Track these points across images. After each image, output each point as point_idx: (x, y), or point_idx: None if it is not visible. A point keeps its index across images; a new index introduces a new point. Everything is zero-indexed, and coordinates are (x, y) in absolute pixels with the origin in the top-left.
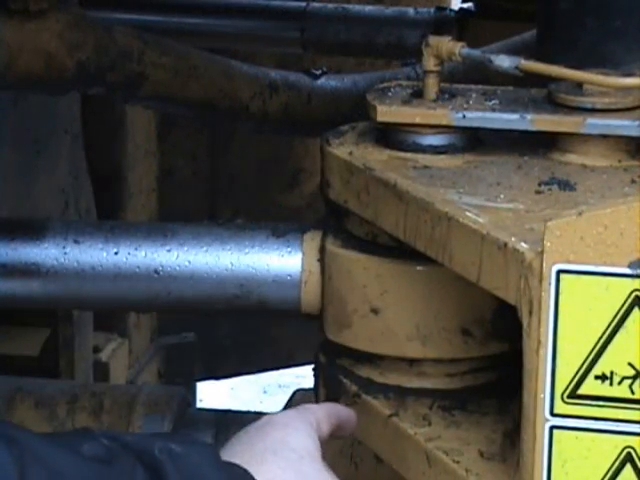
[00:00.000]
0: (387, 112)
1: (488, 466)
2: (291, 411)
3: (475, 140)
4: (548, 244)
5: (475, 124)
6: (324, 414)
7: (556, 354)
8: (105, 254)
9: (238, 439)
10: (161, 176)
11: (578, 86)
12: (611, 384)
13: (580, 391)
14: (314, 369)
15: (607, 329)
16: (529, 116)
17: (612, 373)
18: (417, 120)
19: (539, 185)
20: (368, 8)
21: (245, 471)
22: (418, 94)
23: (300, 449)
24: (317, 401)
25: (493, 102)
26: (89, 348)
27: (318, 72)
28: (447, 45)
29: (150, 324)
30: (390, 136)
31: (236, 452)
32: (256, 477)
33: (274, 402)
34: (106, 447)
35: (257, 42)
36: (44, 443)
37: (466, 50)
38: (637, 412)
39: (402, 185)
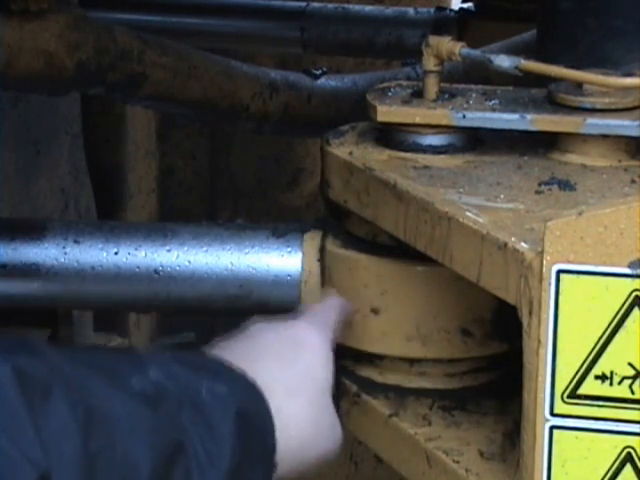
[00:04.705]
0: (387, 112)
1: (488, 466)
2: (312, 326)
3: (475, 140)
4: (548, 244)
5: (475, 124)
6: (336, 326)
7: (556, 354)
8: (105, 254)
9: (278, 354)
10: (161, 176)
11: (578, 86)
12: (611, 384)
13: (580, 391)
14: None
15: (607, 329)
16: (529, 116)
17: (612, 373)
18: (417, 120)
19: (539, 185)
20: (368, 8)
21: (271, 428)
22: (418, 94)
23: (323, 376)
24: None
25: (493, 102)
26: None
27: (318, 72)
28: (447, 45)
29: (150, 324)
30: (390, 136)
31: (272, 378)
32: (278, 419)
33: None
34: (154, 384)
35: (257, 42)
36: (93, 376)
37: (466, 50)
38: (637, 412)
39: (402, 185)
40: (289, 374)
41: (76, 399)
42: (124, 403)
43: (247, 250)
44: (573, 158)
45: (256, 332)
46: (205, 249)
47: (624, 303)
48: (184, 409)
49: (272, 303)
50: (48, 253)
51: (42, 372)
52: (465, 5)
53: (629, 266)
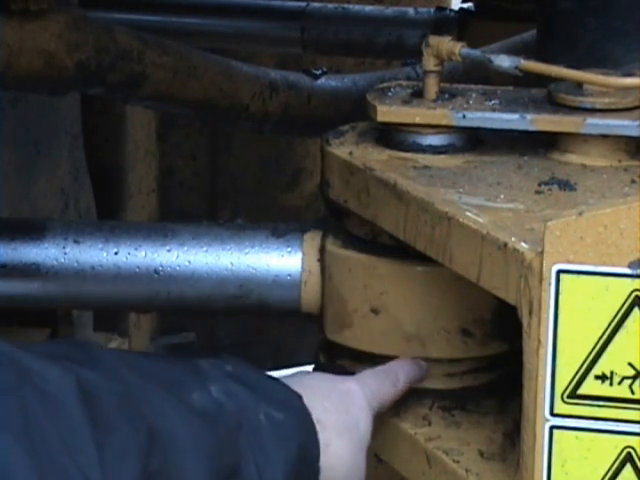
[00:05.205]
0: (387, 112)
1: (488, 466)
2: (361, 388)
3: (475, 140)
4: (548, 244)
5: (475, 124)
6: (379, 399)
7: (556, 354)
8: (105, 254)
9: (331, 399)
10: (161, 176)
11: (578, 86)
12: (611, 384)
13: (580, 391)
14: (314, 369)
15: (607, 329)
16: (529, 116)
17: (612, 373)
18: (417, 120)
19: (539, 185)
20: (368, 8)
21: (317, 457)
22: (418, 94)
23: (365, 433)
24: None
25: (493, 102)
26: None
27: (318, 72)
28: (447, 45)
29: (150, 324)
30: (390, 136)
31: (325, 413)
32: (325, 453)
33: None
34: (215, 402)
35: (257, 42)
36: (155, 389)
37: (466, 50)
38: (637, 412)
39: (402, 185)
40: (339, 416)
41: (138, 415)
42: (184, 419)
43: (247, 250)
44: (573, 158)
45: (309, 375)
46: (205, 249)
47: (624, 303)
48: (242, 431)
49: (272, 303)
50: (48, 253)
51: (106, 386)
52: (465, 5)
53: (629, 266)
